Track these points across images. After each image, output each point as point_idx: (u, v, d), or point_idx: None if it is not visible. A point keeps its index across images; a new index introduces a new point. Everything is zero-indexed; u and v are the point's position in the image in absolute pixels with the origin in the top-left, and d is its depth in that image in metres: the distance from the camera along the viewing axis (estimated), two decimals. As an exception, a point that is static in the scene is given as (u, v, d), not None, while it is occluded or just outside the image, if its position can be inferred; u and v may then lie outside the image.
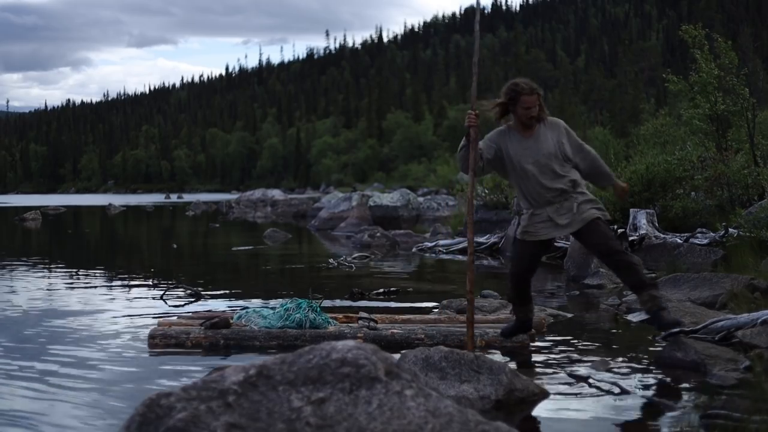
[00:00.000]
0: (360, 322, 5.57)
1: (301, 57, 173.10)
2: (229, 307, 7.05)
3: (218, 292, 8.16)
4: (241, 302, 7.35)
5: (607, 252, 4.70)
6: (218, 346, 5.20)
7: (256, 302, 7.27)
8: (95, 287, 8.81)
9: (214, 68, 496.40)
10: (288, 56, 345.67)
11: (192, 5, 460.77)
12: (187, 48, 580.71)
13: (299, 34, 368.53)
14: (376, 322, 5.56)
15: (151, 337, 5.31)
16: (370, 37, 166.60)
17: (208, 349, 5.17)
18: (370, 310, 6.32)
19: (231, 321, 5.47)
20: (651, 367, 4.49)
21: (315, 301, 5.71)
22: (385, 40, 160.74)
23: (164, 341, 5.25)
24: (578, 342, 5.28)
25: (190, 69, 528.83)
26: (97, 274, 10.24)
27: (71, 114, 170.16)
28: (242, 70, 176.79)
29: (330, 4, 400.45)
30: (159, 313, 6.73)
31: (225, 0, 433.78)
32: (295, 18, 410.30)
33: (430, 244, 13.16)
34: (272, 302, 6.99)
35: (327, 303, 6.93)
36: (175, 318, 5.94)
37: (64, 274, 10.44)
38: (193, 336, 5.25)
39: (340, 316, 5.79)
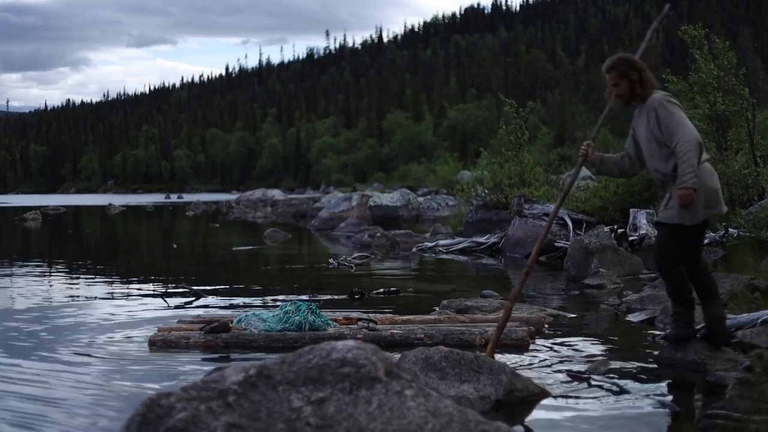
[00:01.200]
0: (359, 323, 5.57)
1: (301, 57, 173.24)
2: (229, 306, 7.05)
3: (218, 292, 8.16)
4: (241, 303, 7.35)
5: (654, 261, 4.53)
6: (218, 350, 5.20)
7: (257, 302, 7.27)
8: (95, 287, 8.81)
9: (213, 68, 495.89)
10: (288, 56, 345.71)
11: (191, 5, 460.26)
12: (186, 48, 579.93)
13: (299, 34, 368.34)
14: (375, 322, 5.56)
15: (151, 342, 5.31)
16: (370, 37, 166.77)
17: (209, 350, 5.17)
18: (371, 307, 6.32)
19: (230, 325, 5.46)
20: (651, 367, 4.49)
21: (314, 303, 5.70)
22: (385, 40, 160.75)
23: (164, 347, 5.25)
24: (578, 342, 5.28)
25: (189, 69, 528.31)
26: (97, 274, 10.23)
27: (71, 114, 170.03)
28: (242, 70, 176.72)
29: (329, 4, 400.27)
30: (159, 311, 6.73)
31: (224, 0, 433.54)
32: (294, 18, 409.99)
33: (430, 244, 13.16)
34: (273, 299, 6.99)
35: (326, 306, 6.93)
36: (175, 322, 5.93)
37: (64, 274, 10.44)
38: (193, 341, 5.25)
39: (340, 317, 5.78)
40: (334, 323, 5.55)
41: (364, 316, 5.77)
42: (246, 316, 5.64)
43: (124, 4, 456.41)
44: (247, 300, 7.52)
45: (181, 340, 5.28)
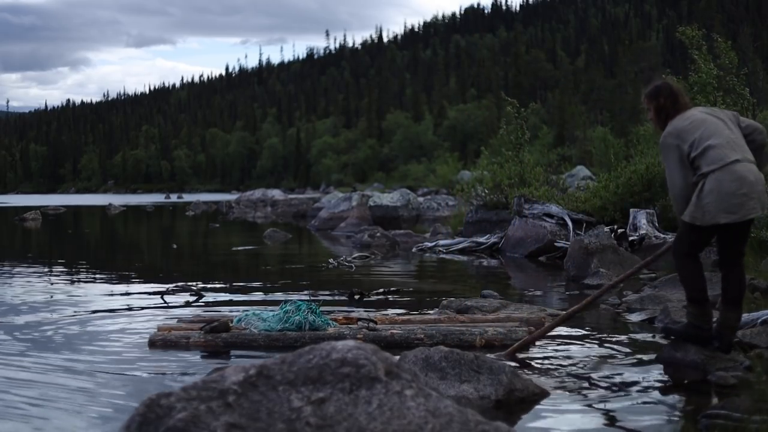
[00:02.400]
0: (359, 323, 5.57)
1: (300, 57, 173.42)
2: (229, 305, 7.05)
3: (218, 292, 8.15)
4: (241, 302, 7.34)
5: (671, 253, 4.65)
6: (218, 350, 5.20)
7: (257, 301, 7.27)
8: (95, 287, 8.81)
9: (213, 68, 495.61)
10: (288, 56, 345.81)
11: (190, 5, 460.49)
12: (185, 48, 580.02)
13: (298, 34, 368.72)
14: (375, 322, 5.56)
15: (151, 342, 5.30)
16: (370, 37, 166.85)
17: (209, 350, 5.17)
18: (369, 309, 6.31)
19: (230, 324, 5.46)
20: (651, 367, 4.49)
21: (314, 303, 5.70)
22: (385, 40, 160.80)
23: (164, 346, 5.24)
24: (578, 342, 5.28)
25: (188, 69, 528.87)
26: (97, 274, 10.23)
27: (71, 114, 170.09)
28: (242, 70, 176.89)
29: (329, 4, 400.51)
30: (159, 310, 6.73)
31: (223, 0, 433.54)
32: (293, 18, 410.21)
33: (430, 244, 13.16)
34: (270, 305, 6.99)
35: (326, 306, 6.93)
36: (175, 322, 5.92)
37: (63, 274, 10.44)
38: (192, 340, 5.24)
39: (340, 317, 5.78)
40: (334, 323, 5.55)
41: (364, 316, 5.76)
42: (246, 315, 5.63)
43: (123, 4, 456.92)
44: (247, 300, 7.52)
45: (181, 339, 5.27)
